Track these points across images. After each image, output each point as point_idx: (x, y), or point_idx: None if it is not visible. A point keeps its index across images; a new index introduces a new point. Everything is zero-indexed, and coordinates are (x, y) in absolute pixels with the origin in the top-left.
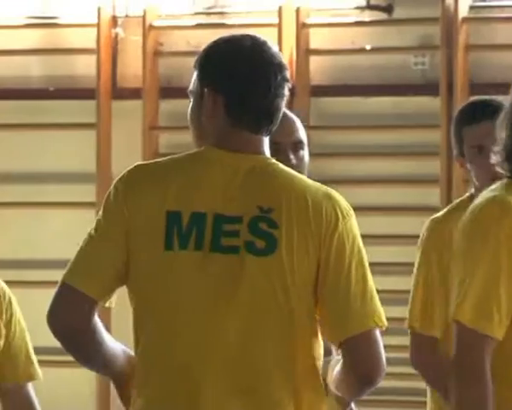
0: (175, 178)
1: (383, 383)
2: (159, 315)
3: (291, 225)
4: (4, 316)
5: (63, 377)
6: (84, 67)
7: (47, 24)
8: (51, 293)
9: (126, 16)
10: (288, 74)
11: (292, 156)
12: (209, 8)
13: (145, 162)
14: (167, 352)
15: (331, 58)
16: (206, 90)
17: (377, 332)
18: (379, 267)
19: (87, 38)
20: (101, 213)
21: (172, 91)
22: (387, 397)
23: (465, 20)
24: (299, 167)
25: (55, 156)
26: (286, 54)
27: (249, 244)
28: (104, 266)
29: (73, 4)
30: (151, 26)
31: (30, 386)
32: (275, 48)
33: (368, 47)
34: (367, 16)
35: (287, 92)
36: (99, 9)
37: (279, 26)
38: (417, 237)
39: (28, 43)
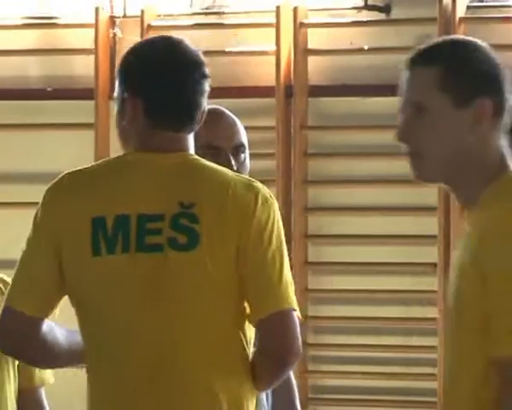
0: (100, 183)
1: (382, 382)
2: (93, 321)
3: (211, 219)
4: None
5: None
6: (83, 68)
7: (45, 24)
8: None
9: (124, 16)
10: (206, 71)
11: (233, 162)
12: (207, 8)
13: (73, 170)
14: (105, 353)
15: (329, 58)
16: (125, 94)
17: (293, 314)
18: (377, 267)
19: (85, 39)
20: (31, 227)
21: None
22: (386, 397)
23: (462, 20)
24: (240, 172)
25: (54, 156)
26: (284, 54)
27: (172, 241)
28: (41, 283)
29: (71, 4)
30: (149, 26)
31: (42, 390)
32: (191, 46)
33: (366, 47)
34: (365, 16)
35: (207, 88)
36: (97, 10)
37: (277, 25)
38: (416, 236)
39: (26, 44)
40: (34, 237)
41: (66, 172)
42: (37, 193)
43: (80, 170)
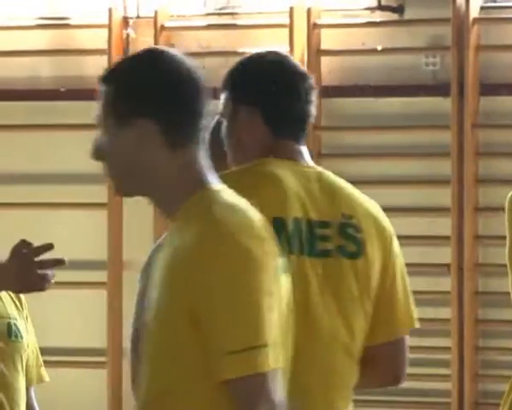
0: (267, 186)
1: None
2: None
3: (368, 231)
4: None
5: (74, 378)
6: (95, 68)
7: (58, 25)
8: (62, 294)
9: (137, 17)
10: (312, 82)
11: None
12: (220, 8)
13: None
14: None
15: (342, 59)
16: (240, 107)
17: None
18: None
19: (98, 39)
20: None
21: None
22: (400, 398)
23: (476, 20)
24: None
25: (66, 157)
26: (297, 54)
27: (341, 248)
28: None
29: (84, 5)
30: (162, 27)
31: (33, 389)
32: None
33: (379, 48)
34: (378, 17)
35: (314, 98)
36: (110, 10)
37: (290, 26)
38: (429, 237)
39: (38, 44)
40: None
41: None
42: (49, 193)
43: (228, 173)
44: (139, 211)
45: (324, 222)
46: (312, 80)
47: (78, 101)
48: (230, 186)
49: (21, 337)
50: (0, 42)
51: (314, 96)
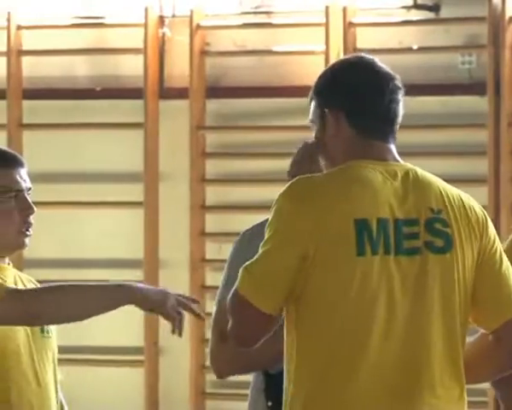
0: (350, 188)
1: None
2: (343, 316)
3: (457, 224)
4: None
5: (112, 376)
6: (132, 67)
7: (94, 24)
8: None
9: (173, 16)
10: (399, 83)
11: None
12: (256, 7)
13: (306, 176)
14: (358, 353)
15: (378, 58)
16: (325, 111)
17: None
18: None
19: (134, 38)
20: (271, 228)
21: (219, 91)
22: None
23: None
24: None
25: (103, 156)
26: (333, 53)
27: (429, 244)
28: (281, 282)
29: (120, 4)
30: (198, 26)
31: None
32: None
33: (415, 46)
34: (414, 15)
35: (401, 98)
36: (146, 9)
37: (326, 25)
38: None
39: (75, 44)
40: (278, 238)
41: (299, 177)
42: (86, 192)
43: (316, 176)
44: (175, 210)
45: (412, 220)
46: (398, 81)
47: (113, 100)
48: (320, 189)
49: (51, 333)
50: (37, 41)
51: (400, 96)
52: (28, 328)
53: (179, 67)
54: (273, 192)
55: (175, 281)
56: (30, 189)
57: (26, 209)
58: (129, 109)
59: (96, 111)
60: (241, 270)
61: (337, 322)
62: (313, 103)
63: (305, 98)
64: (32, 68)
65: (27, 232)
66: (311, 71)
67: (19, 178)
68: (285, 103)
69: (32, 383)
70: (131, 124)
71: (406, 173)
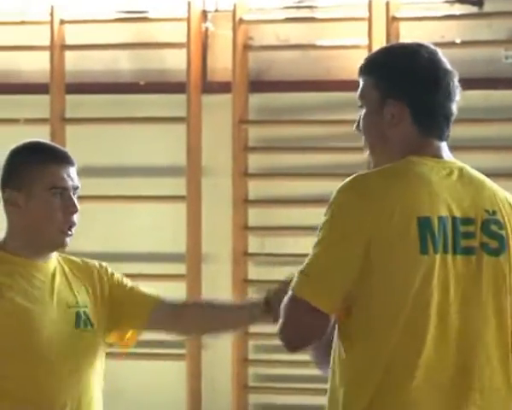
0: (411, 185)
1: None
2: (409, 315)
3: (509, 226)
4: None
5: (154, 369)
6: (175, 62)
7: (137, 18)
8: (141, 285)
9: (216, 11)
10: (457, 80)
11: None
12: (299, 1)
13: (365, 173)
14: (416, 352)
15: None
16: (388, 100)
17: None
18: None
19: (177, 33)
20: (328, 226)
21: (262, 85)
22: None
23: None
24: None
25: (146, 150)
26: (376, 47)
27: (485, 245)
28: (340, 281)
29: None
30: (241, 20)
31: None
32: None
33: (458, 41)
34: (457, 10)
35: (458, 97)
36: (189, 4)
37: (369, 19)
38: None
39: (119, 38)
40: (337, 235)
41: (358, 173)
42: (128, 186)
43: (375, 172)
44: (218, 204)
45: (468, 219)
46: (457, 78)
47: (157, 94)
48: (382, 186)
49: (91, 326)
50: (81, 35)
51: (458, 95)
52: (62, 321)
53: (222, 62)
54: (315, 186)
55: (217, 275)
56: (77, 188)
57: (69, 208)
58: (172, 103)
59: (139, 105)
60: (297, 274)
61: (399, 320)
62: (367, 84)
63: (348, 92)
64: (75, 63)
65: (69, 232)
66: (353, 65)
67: (65, 176)
68: (328, 97)
69: (54, 374)
70: (174, 118)
71: (461, 171)
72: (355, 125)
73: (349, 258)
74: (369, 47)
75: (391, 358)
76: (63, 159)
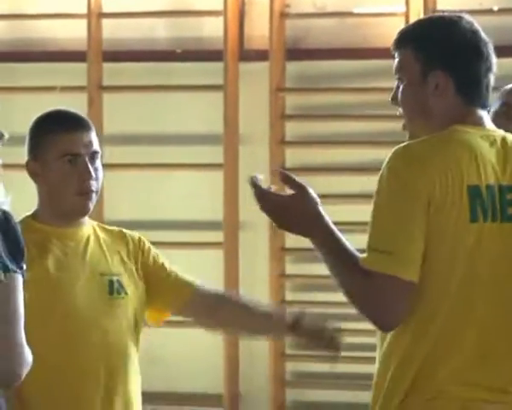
0: (454, 153)
1: None
2: (459, 282)
3: None
4: None
5: (191, 337)
6: (212, 29)
7: None
8: (175, 254)
9: None
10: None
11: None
12: None
13: (417, 141)
14: (466, 318)
15: None
16: (431, 71)
17: None
18: None
19: (214, 0)
20: (390, 189)
21: (299, 53)
22: None
23: None
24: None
25: (183, 118)
26: (413, 15)
27: None
28: (417, 248)
29: None
30: None
31: None
32: None
33: (495, 8)
34: None
35: (494, 68)
36: None
37: None
38: None
39: (156, 5)
40: (404, 203)
41: (409, 142)
42: (166, 154)
43: (423, 140)
44: (255, 172)
45: None
46: (493, 47)
47: (194, 62)
48: (434, 154)
49: (125, 293)
50: (118, 3)
51: (495, 65)
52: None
53: (259, 29)
54: (352, 154)
55: (255, 243)
56: (95, 153)
57: (83, 174)
58: (209, 72)
59: (176, 73)
60: (371, 253)
61: (450, 289)
62: (406, 56)
63: (385, 60)
64: (112, 31)
65: (86, 197)
66: (390, 32)
67: (78, 143)
68: (365, 65)
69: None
70: (211, 86)
71: (503, 140)
72: (390, 98)
73: (418, 222)
74: (407, 15)
75: (441, 328)
76: (76, 125)
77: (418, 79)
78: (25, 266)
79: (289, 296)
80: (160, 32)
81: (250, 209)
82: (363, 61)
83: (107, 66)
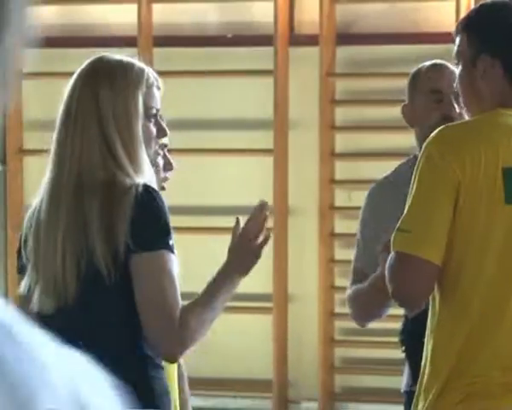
0: (489, 136)
1: None
2: (494, 264)
3: None
4: None
5: (240, 323)
6: (262, 14)
7: None
8: (224, 239)
9: None
10: None
11: (456, 105)
12: None
13: (454, 124)
14: (502, 303)
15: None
16: (481, 55)
17: None
18: None
19: None
20: (424, 174)
21: (349, 38)
22: None
23: None
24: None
25: (233, 103)
26: (463, 0)
27: None
28: (441, 229)
29: None
30: None
31: None
32: None
33: None
34: None
35: None
36: None
37: None
38: None
39: None
40: (429, 185)
41: (447, 125)
42: (216, 139)
43: (463, 123)
44: (304, 157)
45: None
46: None
47: (244, 47)
48: (468, 137)
49: None
50: None
51: None
52: None
53: (309, 14)
54: (403, 139)
55: (304, 228)
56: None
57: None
58: (259, 56)
59: (227, 58)
60: (395, 233)
61: (487, 269)
62: (462, 41)
63: (436, 45)
64: (162, 16)
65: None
66: (441, 17)
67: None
68: (415, 50)
69: None
70: (261, 71)
71: None
72: (454, 84)
73: (441, 205)
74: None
75: (479, 311)
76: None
77: (470, 63)
78: (171, 242)
79: (338, 282)
80: (210, 16)
81: (299, 195)
82: (413, 46)
83: (157, 51)
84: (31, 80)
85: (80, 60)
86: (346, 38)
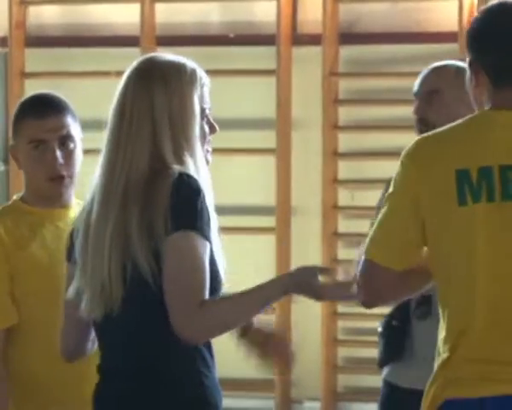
0: (457, 139)
1: None
2: (451, 265)
3: None
4: None
5: None
6: (265, 13)
7: None
8: (227, 239)
9: None
10: None
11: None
12: None
13: (428, 134)
14: (469, 299)
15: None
16: (470, 63)
17: None
18: None
19: None
20: (389, 186)
21: (352, 37)
22: None
23: None
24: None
25: (235, 103)
26: (466, 0)
27: None
28: (398, 236)
29: None
30: None
31: None
32: None
33: None
34: None
35: None
36: None
37: None
38: None
39: None
40: (392, 196)
41: (422, 136)
42: (218, 138)
43: (436, 133)
44: (307, 156)
45: None
46: None
47: (247, 46)
48: (427, 143)
49: None
50: None
51: None
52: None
53: (312, 13)
54: (406, 139)
55: (307, 228)
56: (66, 136)
57: (48, 160)
58: (261, 56)
59: (229, 58)
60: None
61: (452, 273)
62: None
63: (439, 44)
64: (165, 15)
65: (57, 182)
66: (444, 17)
67: (43, 128)
68: (418, 49)
69: None
70: (264, 71)
71: None
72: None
73: (400, 214)
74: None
75: (454, 308)
76: (43, 111)
77: (469, 69)
78: (206, 228)
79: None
80: (213, 16)
81: (302, 194)
82: (417, 46)
83: (160, 50)
84: (33, 80)
85: (83, 59)
86: (349, 37)
